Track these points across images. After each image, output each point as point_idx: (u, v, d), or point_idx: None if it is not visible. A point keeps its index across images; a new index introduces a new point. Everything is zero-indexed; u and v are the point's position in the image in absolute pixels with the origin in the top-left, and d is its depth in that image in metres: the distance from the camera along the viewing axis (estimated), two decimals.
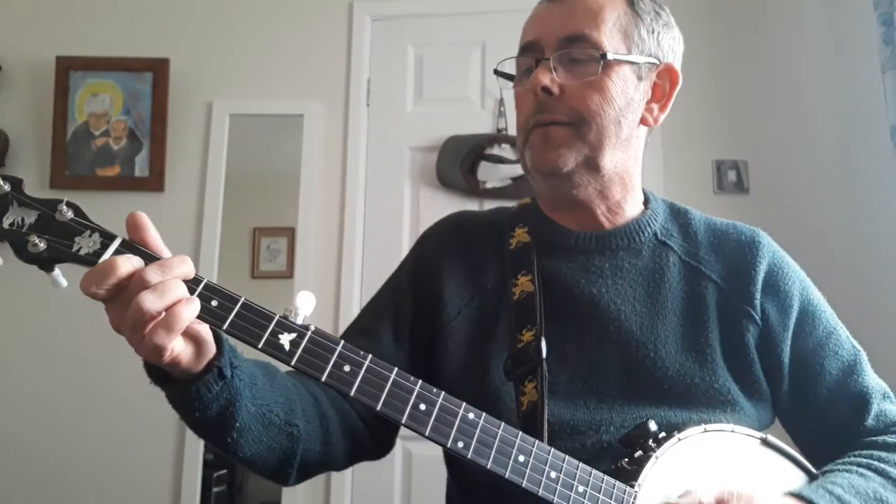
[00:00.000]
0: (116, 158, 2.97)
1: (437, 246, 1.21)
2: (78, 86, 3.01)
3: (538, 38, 1.07)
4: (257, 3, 3.12)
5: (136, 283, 0.75)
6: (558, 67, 1.04)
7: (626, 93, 1.06)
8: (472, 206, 2.76)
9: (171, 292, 0.75)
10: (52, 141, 2.97)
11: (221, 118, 3.02)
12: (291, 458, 0.97)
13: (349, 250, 2.87)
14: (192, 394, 0.82)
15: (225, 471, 2.99)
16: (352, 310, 2.76)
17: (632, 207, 1.15)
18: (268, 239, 3.40)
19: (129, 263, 0.75)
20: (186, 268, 0.78)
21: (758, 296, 1.09)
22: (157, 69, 3.01)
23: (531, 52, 1.08)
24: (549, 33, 1.06)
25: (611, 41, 1.05)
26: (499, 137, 2.84)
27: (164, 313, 0.75)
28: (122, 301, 0.75)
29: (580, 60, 1.05)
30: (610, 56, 1.04)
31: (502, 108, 2.88)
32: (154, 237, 0.81)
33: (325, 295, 2.83)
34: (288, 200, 2.98)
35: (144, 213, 0.79)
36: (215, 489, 2.91)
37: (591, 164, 1.06)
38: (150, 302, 0.74)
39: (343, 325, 2.68)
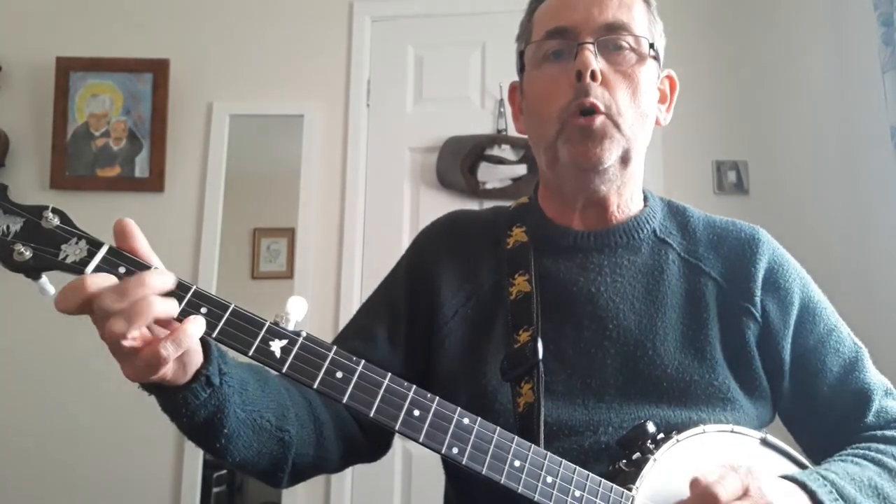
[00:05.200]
0: (116, 159, 2.97)
1: (433, 246, 1.20)
2: (78, 86, 3.01)
3: (574, 24, 1.05)
4: (257, 3, 3.12)
5: (98, 307, 0.73)
6: (598, 54, 1.04)
7: (651, 88, 1.08)
8: (472, 206, 2.75)
9: (141, 315, 0.73)
10: (52, 141, 2.97)
11: (221, 118, 3.02)
12: (283, 463, 0.97)
13: (349, 250, 2.88)
14: (179, 401, 0.82)
15: (225, 471, 2.99)
16: (352, 310, 2.71)
17: (635, 204, 1.15)
18: (268, 239, 3.39)
19: (96, 283, 0.74)
20: (159, 281, 0.76)
21: (758, 293, 1.09)
22: (157, 70, 3.01)
23: (562, 39, 1.07)
24: (587, 20, 1.05)
25: (644, 35, 1.07)
26: (499, 138, 2.84)
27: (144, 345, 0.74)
28: (98, 321, 0.75)
29: (620, 49, 1.05)
30: (651, 51, 1.06)
31: (502, 109, 2.88)
32: (142, 244, 0.80)
33: (325, 295, 2.83)
34: (288, 200, 2.97)
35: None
36: (215, 489, 2.90)
37: (626, 158, 1.07)
38: (118, 326, 0.73)
39: (343, 326, 2.70)
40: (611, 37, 1.05)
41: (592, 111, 1.03)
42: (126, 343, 0.73)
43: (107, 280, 0.74)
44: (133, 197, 2.95)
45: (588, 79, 1.02)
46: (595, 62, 1.03)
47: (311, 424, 1.01)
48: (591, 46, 1.03)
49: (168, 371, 0.78)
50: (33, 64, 3.06)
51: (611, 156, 1.04)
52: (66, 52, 3.03)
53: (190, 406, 0.82)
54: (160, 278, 0.76)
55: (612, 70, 1.04)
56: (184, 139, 3.01)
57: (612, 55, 1.05)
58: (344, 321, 2.73)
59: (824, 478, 0.94)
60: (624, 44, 1.05)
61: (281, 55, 3.06)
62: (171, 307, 0.77)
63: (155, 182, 2.95)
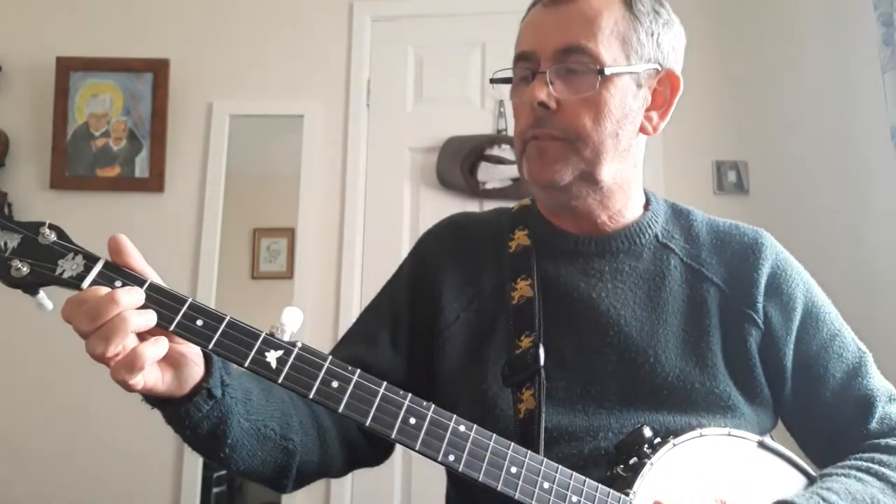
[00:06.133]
0: (116, 159, 2.97)
1: (435, 249, 1.20)
2: (78, 86, 3.01)
3: (534, 49, 1.05)
4: (257, 3, 3.12)
5: (76, 330, 0.75)
6: (555, 80, 1.02)
7: (624, 104, 1.04)
8: (472, 206, 2.76)
9: (117, 333, 0.74)
10: (52, 141, 2.97)
11: (221, 118, 3.02)
12: (287, 471, 0.98)
13: (349, 250, 2.87)
14: (181, 414, 0.82)
15: (225, 471, 2.99)
16: (352, 310, 2.76)
17: (632, 211, 1.14)
18: (268, 239, 3.39)
19: (67, 309, 0.76)
20: (130, 297, 0.76)
21: (760, 299, 1.08)
22: (157, 70, 3.01)
23: (527, 62, 1.06)
24: (544, 44, 1.03)
25: (608, 51, 1.02)
26: (499, 138, 2.84)
27: (125, 350, 0.75)
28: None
29: (577, 72, 1.02)
30: (608, 71, 1.01)
31: (502, 109, 2.88)
32: (136, 259, 0.81)
33: (325, 295, 2.83)
34: (288, 200, 2.97)
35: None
36: (215, 489, 2.91)
37: (589, 178, 1.05)
38: (95, 347, 0.74)
39: (343, 326, 2.70)
40: (564, 64, 1.02)
41: (548, 137, 1.04)
42: (108, 360, 0.75)
43: (78, 304, 0.76)
44: (133, 197, 2.95)
45: (538, 110, 1.02)
46: (543, 93, 1.01)
47: (315, 431, 1.02)
48: (545, 75, 1.02)
49: (157, 382, 0.79)
50: (33, 64, 3.06)
51: (563, 176, 1.04)
52: (66, 52, 3.03)
53: (192, 418, 0.83)
54: (131, 294, 0.77)
55: (572, 95, 1.02)
56: (184, 139, 3.00)
57: (571, 79, 1.02)
58: (344, 321, 2.74)
59: (824, 499, 0.94)
60: (581, 68, 1.02)
61: (281, 55, 3.06)
62: (148, 318, 0.77)
63: (155, 182, 2.95)
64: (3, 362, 2.85)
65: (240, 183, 3.09)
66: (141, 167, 2.96)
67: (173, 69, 3.02)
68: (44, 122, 3.00)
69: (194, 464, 2.75)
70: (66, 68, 3.01)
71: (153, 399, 0.83)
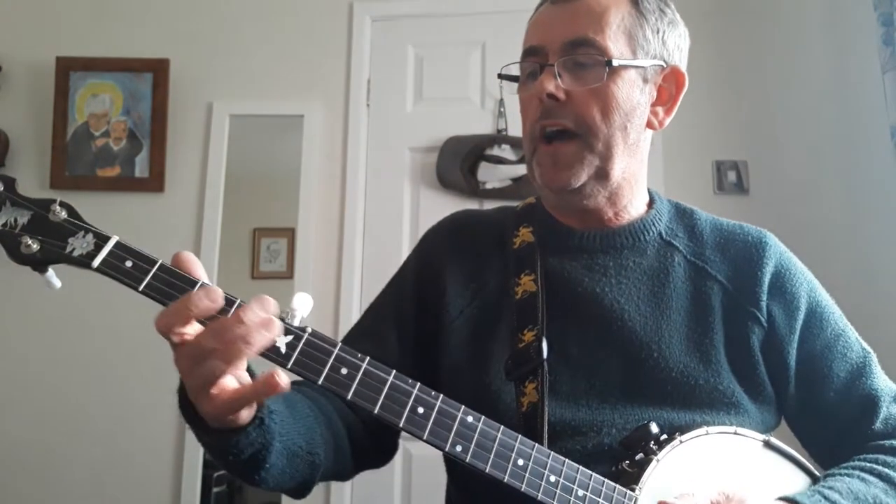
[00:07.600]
0: (116, 159, 2.96)
1: (439, 245, 1.20)
2: (78, 86, 3.01)
3: (542, 43, 1.06)
4: (257, 3, 3.12)
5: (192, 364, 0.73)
6: (563, 73, 1.03)
7: (631, 97, 1.05)
8: (472, 206, 2.72)
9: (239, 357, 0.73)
10: (52, 141, 2.97)
11: (221, 118, 3.01)
12: (311, 482, 0.97)
13: (349, 250, 2.87)
14: (231, 443, 0.80)
15: (225, 471, 2.98)
16: (352, 310, 2.77)
17: (636, 208, 1.14)
18: (268, 239, 3.39)
19: (207, 301, 0.74)
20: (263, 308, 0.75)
21: (764, 298, 1.08)
22: (157, 69, 3.01)
23: (535, 57, 1.07)
24: (552, 38, 1.05)
25: (615, 45, 1.04)
26: (499, 138, 2.84)
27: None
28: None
29: (585, 65, 1.03)
30: (615, 62, 1.02)
31: (502, 109, 2.88)
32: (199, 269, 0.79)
33: (325, 295, 2.83)
34: (288, 200, 2.97)
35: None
36: (215, 489, 2.90)
37: (601, 174, 1.06)
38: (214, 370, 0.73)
39: (343, 326, 2.69)
40: (572, 56, 1.04)
41: (558, 134, 1.04)
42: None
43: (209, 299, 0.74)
44: (133, 197, 2.95)
45: (547, 101, 1.03)
46: (552, 84, 1.02)
47: (333, 440, 1.01)
48: (553, 68, 1.03)
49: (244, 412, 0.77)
50: (33, 64, 3.06)
51: (578, 179, 1.05)
52: (66, 52, 3.03)
53: (239, 446, 0.81)
54: (254, 312, 0.74)
55: (581, 88, 1.03)
56: (184, 139, 3.00)
57: (580, 73, 1.04)
58: (344, 321, 2.74)
59: (826, 498, 0.94)
60: (588, 61, 1.03)
61: (281, 55, 3.06)
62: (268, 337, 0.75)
63: (155, 182, 2.95)
64: (2, 362, 2.84)
65: (240, 183, 3.08)
66: (141, 167, 2.96)
67: (173, 69, 3.02)
68: (44, 122, 3.00)
69: (194, 464, 2.74)
70: (66, 68, 3.01)
71: (196, 423, 0.80)
